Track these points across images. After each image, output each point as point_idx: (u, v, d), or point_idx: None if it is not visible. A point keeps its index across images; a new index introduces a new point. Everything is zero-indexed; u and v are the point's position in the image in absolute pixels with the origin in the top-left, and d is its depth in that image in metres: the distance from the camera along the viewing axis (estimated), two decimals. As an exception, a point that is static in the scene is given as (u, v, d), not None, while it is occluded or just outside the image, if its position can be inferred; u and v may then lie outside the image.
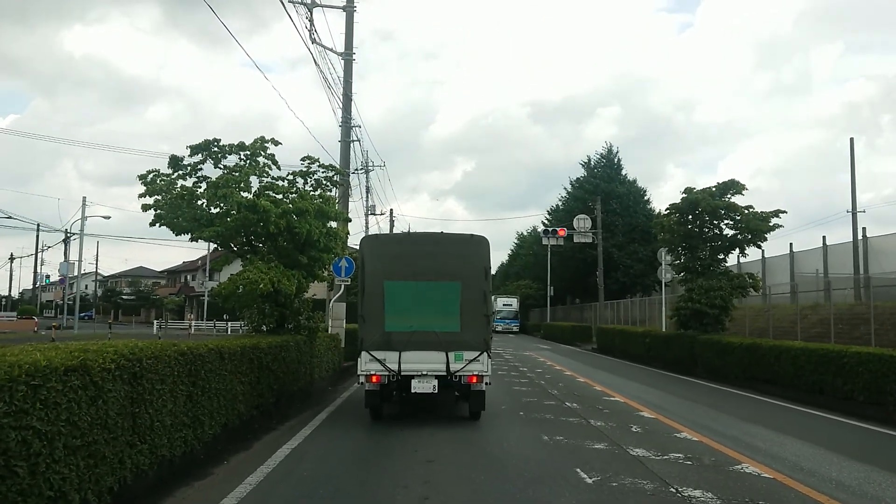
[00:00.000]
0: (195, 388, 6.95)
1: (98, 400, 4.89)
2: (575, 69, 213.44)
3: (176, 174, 11.57)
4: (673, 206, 21.33)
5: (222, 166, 11.97)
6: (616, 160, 50.56)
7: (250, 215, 11.10)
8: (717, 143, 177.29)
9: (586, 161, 51.62)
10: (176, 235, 11.58)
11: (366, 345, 9.69)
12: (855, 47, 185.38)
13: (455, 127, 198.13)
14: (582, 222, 40.34)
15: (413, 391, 9.64)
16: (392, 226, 42.78)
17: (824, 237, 25.50)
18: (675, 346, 20.85)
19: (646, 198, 49.31)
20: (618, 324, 34.21)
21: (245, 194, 11.39)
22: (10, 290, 75.60)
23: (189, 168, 11.67)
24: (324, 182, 13.07)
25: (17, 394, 3.95)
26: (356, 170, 25.80)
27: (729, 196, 20.29)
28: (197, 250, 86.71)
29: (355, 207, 55.06)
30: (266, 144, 12.24)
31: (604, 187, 46.51)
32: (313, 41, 17.86)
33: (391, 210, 45.45)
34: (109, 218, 50.82)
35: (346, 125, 19.99)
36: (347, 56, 19.84)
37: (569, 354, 28.84)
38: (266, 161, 12.19)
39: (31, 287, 78.41)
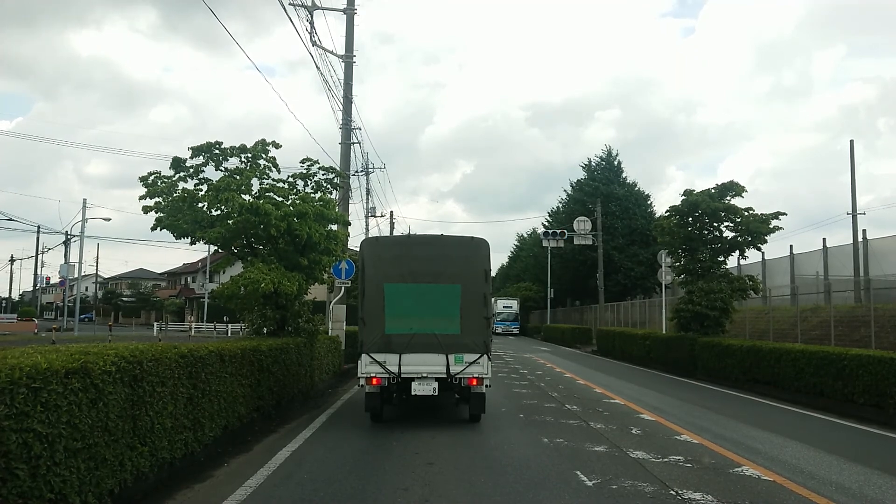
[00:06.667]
0: (195, 391, 6.96)
1: (98, 402, 4.89)
2: (576, 73, 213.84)
3: (177, 176, 11.59)
4: (673, 209, 21.34)
5: (223, 168, 11.99)
6: (616, 163, 50.53)
7: (251, 218, 11.11)
8: (717, 145, 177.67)
9: (586, 163, 51.66)
10: (177, 238, 11.60)
11: (366, 347, 9.69)
12: (856, 50, 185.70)
13: (454, 129, 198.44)
14: (582, 224, 40.32)
15: (413, 393, 9.64)
16: (392, 228, 42.85)
17: (824, 239, 25.52)
18: (676, 349, 20.84)
19: (648, 201, 49.32)
20: (618, 326, 34.20)
21: (246, 197, 11.42)
22: (10, 292, 75.55)
23: (191, 170, 11.70)
24: (324, 184, 13.09)
25: (17, 396, 3.96)
26: (356, 172, 25.87)
27: (728, 198, 20.31)
28: (197, 252, 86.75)
29: (356, 209, 55.11)
30: (267, 147, 12.27)
31: (603, 190, 46.48)
32: (314, 44, 17.91)
33: (391, 212, 45.58)
34: (110, 220, 51.39)
35: (347, 127, 20.01)
36: (348, 58, 19.86)
37: (569, 356, 28.83)
38: (267, 163, 12.22)
39: (31, 289, 78.40)
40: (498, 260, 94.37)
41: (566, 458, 7.75)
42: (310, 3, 17.77)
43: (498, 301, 55.25)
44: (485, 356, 9.68)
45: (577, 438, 8.95)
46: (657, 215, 40.03)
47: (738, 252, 20.96)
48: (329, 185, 13.24)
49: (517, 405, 12.24)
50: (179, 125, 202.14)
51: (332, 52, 19.79)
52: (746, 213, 19.87)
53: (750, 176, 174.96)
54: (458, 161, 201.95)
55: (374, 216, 36.01)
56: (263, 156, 12.18)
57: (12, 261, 73.08)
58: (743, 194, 20.31)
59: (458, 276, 9.89)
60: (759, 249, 21.12)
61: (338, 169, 15.49)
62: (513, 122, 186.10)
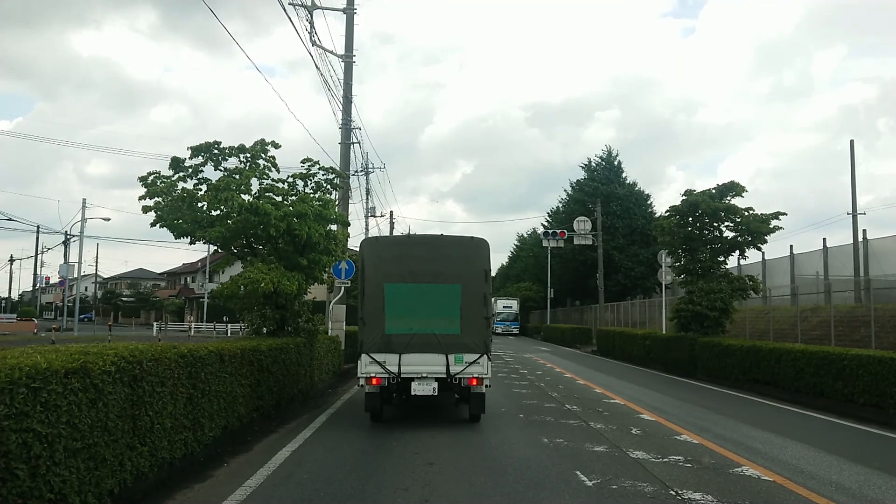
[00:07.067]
0: (195, 391, 6.96)
1: (98, 402, 4.89)
2: (576, 73, 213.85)
3: (176, 176, 11.59)
4: (673, 208, 21.34)
5: (223, 168, 11.99)
6: (616, 163, 50.49)
7: (251, 217, 11.11)
8: (717, 145, 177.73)
9: (586, 163, 51.61)
10: (176, 238, 11.60)
11: (366, 347, 9.69)
12: (856, 50, 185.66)
13: (454, 129, 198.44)
14: (582, 224, 40.31)
15: (413, 393, 9.64)
16: (392, 228, 42.82)
17: (824, 239, 25.51)
18: (676, 349, 20.84)
19: (649, 201, 49.29)
20: (618, 326, 34.20)
21: (246, 197, 11.42)
22: (9, 292, 75.54)
23: (190, 170, 11.69)
24: (324, 184, 13.08)
25: (17, 396, 3.95)
26: (356, 172, 25.86)
27: (729, 198, 20.32)
28: (197, 252, 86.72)
29: (355, 209, 55.11)
30: (266, 147, 12.27)
31: (604, 189, 46.44)
32: (314, 43, 17.91)
33: (391, 212, 45.56)
34: (109, 220, 51.28)
35: (346, 127, 20.00)
36: (348, 58, 19.86)
37: (569, 357, 28.82)
38: (266, 163, 12.22)
39: (30, 289, 78.37)
40: (498, 260, 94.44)
41: (566, 458, 7.74)
42: (310, 3, 17.77)
43: (498, 301, 55.22)
44: (485, 356, 9.67)
45: (577, 438, 8.94)
46: (657, 215, 40.00)
47: (738, 252, 20.95)
48: (329, 186, 13.23)
49: (517, 405, 12.23)
50: (179, 125, 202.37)
51: (331, 52, 19.82)
52: (746, 213, 19.86)
53: (750, 176, 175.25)
54: (458, 161, 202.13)
55: (374, 216, 36.04)
56: (263, 156, 12.17)
57: (12, 261, 73.13)
58: (743, 194, 20.32)
59: (458, 276, 9.89)
60: (759, 249, 21.13)
61: (338, 169, 15.48)
62: (513, 122, 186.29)
